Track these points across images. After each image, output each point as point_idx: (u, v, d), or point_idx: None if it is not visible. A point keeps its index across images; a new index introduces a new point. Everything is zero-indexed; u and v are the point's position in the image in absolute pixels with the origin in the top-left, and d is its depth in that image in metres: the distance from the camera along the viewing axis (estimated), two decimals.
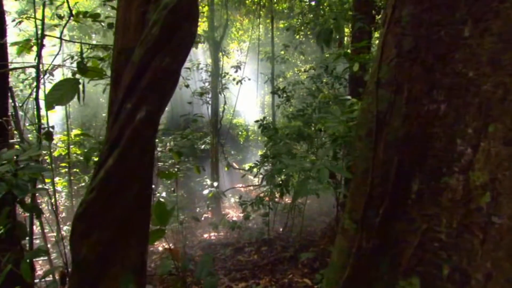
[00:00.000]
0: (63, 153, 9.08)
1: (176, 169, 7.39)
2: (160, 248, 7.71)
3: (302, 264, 5.89)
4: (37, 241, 4.37)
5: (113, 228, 1.76)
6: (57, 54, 2.63)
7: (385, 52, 1.78)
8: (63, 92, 1.64)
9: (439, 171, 1.56)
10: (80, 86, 1.80)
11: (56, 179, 8.55)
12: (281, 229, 8.04)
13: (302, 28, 8.96)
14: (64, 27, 2.65)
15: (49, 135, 2.24)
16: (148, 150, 1.74)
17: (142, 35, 1.63)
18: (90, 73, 1.93)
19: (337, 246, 1.99)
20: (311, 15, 9.05)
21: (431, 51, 1.64)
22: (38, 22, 3.22)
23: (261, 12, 11.00)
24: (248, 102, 16.39)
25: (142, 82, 1.61)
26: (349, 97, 3.88)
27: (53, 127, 2.36)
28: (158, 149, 8.09)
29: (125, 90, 1.65)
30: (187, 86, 4.00)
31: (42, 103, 2.23)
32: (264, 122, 6.48)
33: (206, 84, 9.14)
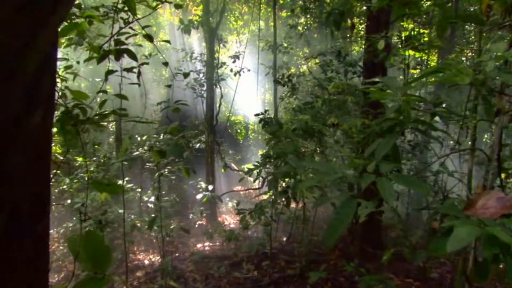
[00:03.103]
0: None
1: (165, 171, 6.52)
2: (147, 262, 6.80)
3: (311, 284, 5.01)
4: None
5: None
6: None
7: None
8: None
9: None
10: None
11: None
12: (284, 239, 7.16)
13: (308, 12, 8.05)
14: None
15: None
16: (16, 150, 0.82)
17: None
18: None
19: None
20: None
21: None
22: None
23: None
24: (247, 98, 15.48)
25: None
26: (377, 79, 2.91)
27: None
28: (145, 148, 7.22)
29: None
30: (166, 64, 3.09)
31: None
32: (266, 116, 5.57)
33: (201, 75, 8.20)
